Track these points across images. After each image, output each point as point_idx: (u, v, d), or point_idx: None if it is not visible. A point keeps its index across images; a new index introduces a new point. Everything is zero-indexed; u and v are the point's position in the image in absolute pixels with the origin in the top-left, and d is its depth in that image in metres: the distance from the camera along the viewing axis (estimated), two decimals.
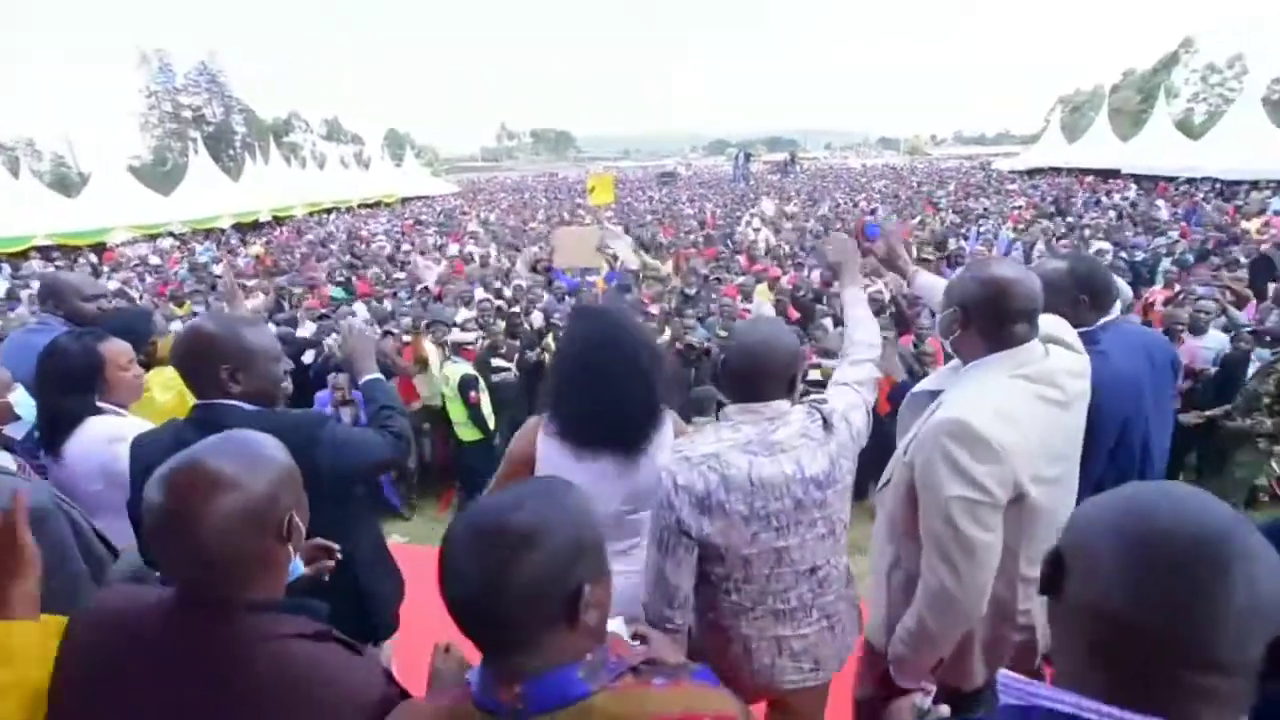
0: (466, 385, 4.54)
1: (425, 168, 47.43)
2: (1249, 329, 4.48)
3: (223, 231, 19.10)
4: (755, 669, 1.42)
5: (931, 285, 1.85)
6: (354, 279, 8.95)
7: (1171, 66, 47.26)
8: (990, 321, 1.37)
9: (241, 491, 0.84)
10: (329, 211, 24.75)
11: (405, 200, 30.01)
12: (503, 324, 5.57)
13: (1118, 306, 2.04)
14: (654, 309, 5.79)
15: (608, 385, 1.47)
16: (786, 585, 1.39)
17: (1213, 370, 4.45)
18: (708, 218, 15.63)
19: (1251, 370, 4.17)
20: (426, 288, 7.32)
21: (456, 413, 4.63)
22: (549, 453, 1.54)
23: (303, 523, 0.94)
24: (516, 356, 5.13)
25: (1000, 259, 1.41)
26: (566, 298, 6.76)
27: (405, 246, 12.65)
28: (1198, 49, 47.34)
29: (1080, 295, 1.79)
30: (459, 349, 4.90)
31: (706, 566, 1.38)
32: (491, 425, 4.76)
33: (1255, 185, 15.87)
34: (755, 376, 1.39)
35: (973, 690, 1.45)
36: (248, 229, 19.86)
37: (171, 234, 18.08)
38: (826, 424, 1.40)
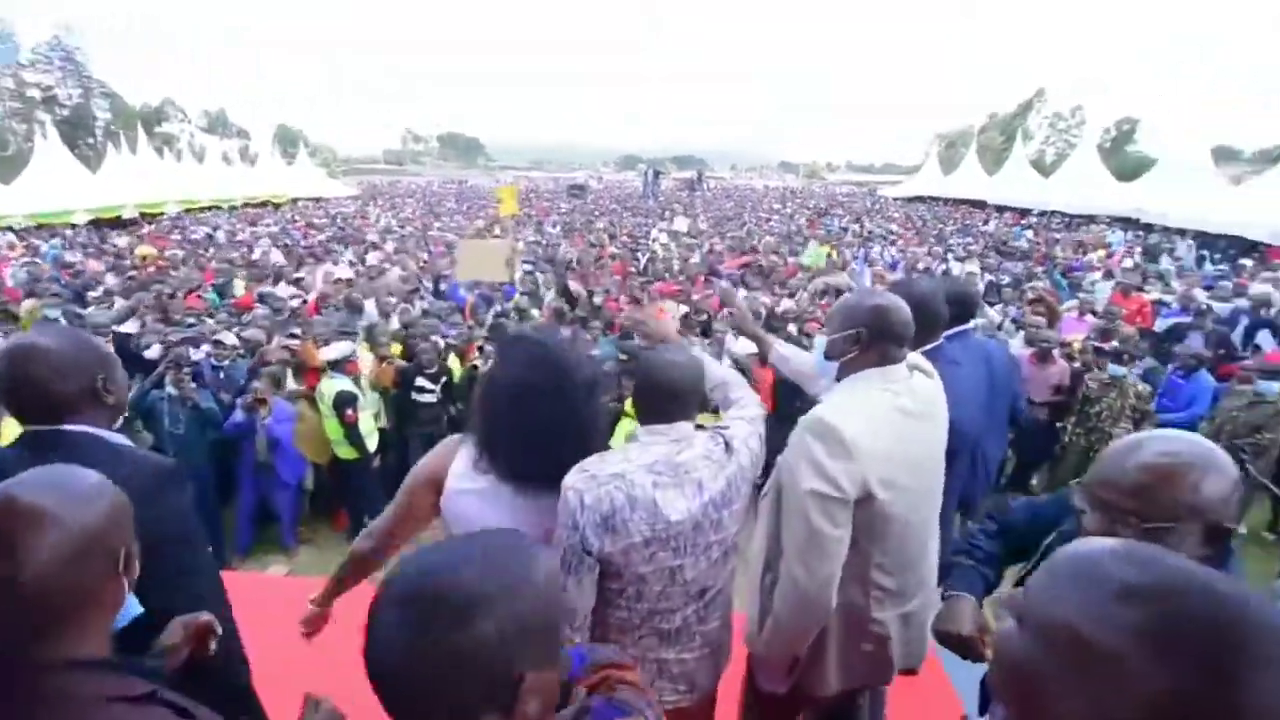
0: (343, 402, 4.31)
1: (321, 167, 44.65)
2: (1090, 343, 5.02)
3: (74, 227, 16.94)
4: None
5: (790, 355, 1.93)
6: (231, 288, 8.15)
7: (1027, 112, 53.44)
8: (882, 343, 1.49)
9: (61, 528, 0.76)
10: (208, 209, 22.66)
11: (296, 201, 28.08)
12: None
13: (976, 322, 2.29)
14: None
15: (539, 418, 1.37)
16: (674, 606, 1.41)
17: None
18: (618, 232, 15.79)
19: (1091, 386, 4.68)
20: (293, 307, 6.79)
21: (333, 430, 4.39)
22: (462, 479, 1.44)
23: (133, 568, 0.86)
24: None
25: (879, 291, 1.53)
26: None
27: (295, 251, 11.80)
28: (1046, 98, 53.84)
29: (942, 312, 2.01)
30: (339, 365, 4.59)
31: (600, 582, 1.39)
32: (371, 445, 4.56)
33: (1093, 219, 18.26)
34: (662, 399, 1.42)
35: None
36: (108, 226, 17.72)
37: (11, 229, 15.80)
38: (728, 447, 1.45)
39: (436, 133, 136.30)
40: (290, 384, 4.65)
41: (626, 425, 4.61)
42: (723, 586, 1.47)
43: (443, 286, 8.19)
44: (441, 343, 5.25)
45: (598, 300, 7.11)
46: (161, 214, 20.34)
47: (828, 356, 1.58)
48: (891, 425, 1.43)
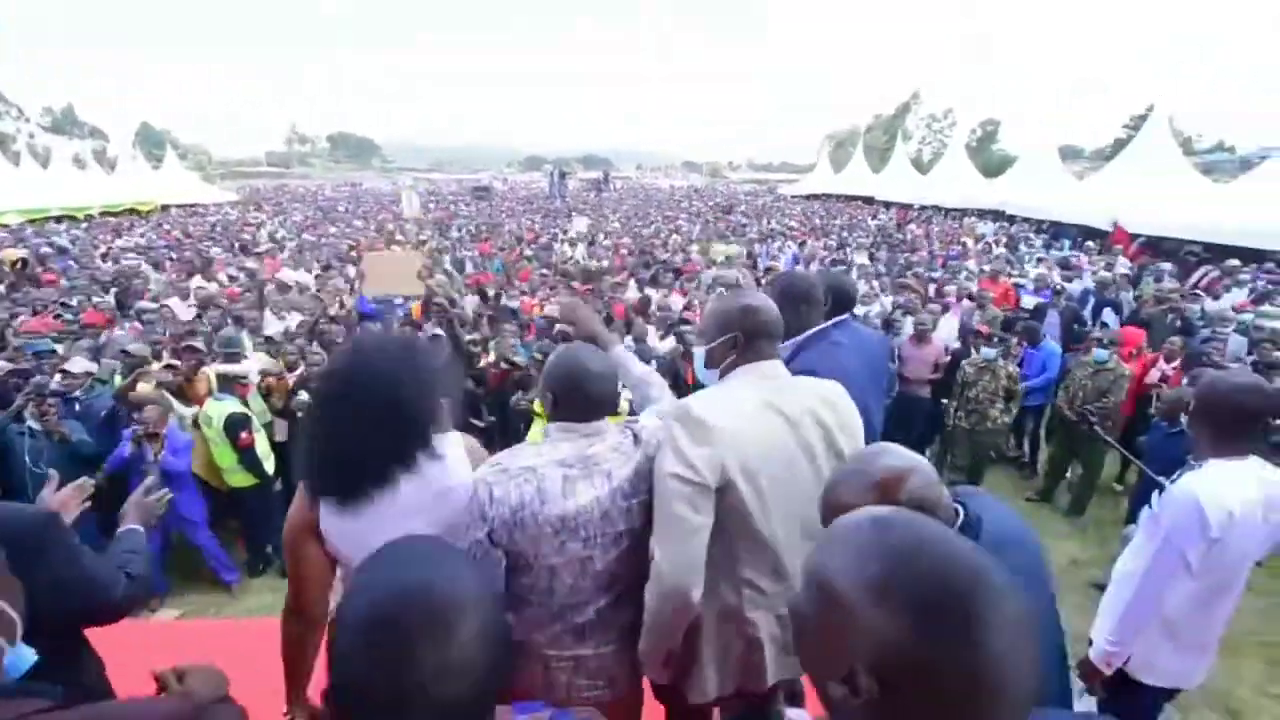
0: (235, 424, 4.00)
1: (194, 171, 40.89)
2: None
3: None
4: (552, 686, 1.45)
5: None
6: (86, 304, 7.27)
7: (905, 113, 57.63)
8: (754, 341, 1.55)
9: None
10: (56, 219, 20.08)
11: (167, 208, 25.54)
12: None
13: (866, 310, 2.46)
14: (475, 333, 5.63)
15: (339, 430, 1.30)
16: (586, 598, 1.43)
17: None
18: (525, 233, 15.58)
19: (965, 368, 5.13)
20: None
21: (223, 457, 4.04)
22: (325, 514, 1.36)
23: (16, 612, 0.81)
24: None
25: (745, 290, 1.61)
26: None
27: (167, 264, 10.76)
28: (921, 100, 58.31)
29: (799, 304, 2.13)
30: (229, 383, 4.27)
31: (511, 577, 1.39)
32: (270, 468, 4.24)
33: (966, 213, 20.05)
34: (576, 398, 1.44)
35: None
36: None
37: None
38: (636, 439, 1.49)
39: (326, 132, 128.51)
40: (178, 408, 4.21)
41: (538, 425, 4.59)
42: (635, 579, 1.47)
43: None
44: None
45: (513, 304, 7.01)
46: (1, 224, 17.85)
47: (708, 366, 1.61)
48: (756, 418, 1.44)
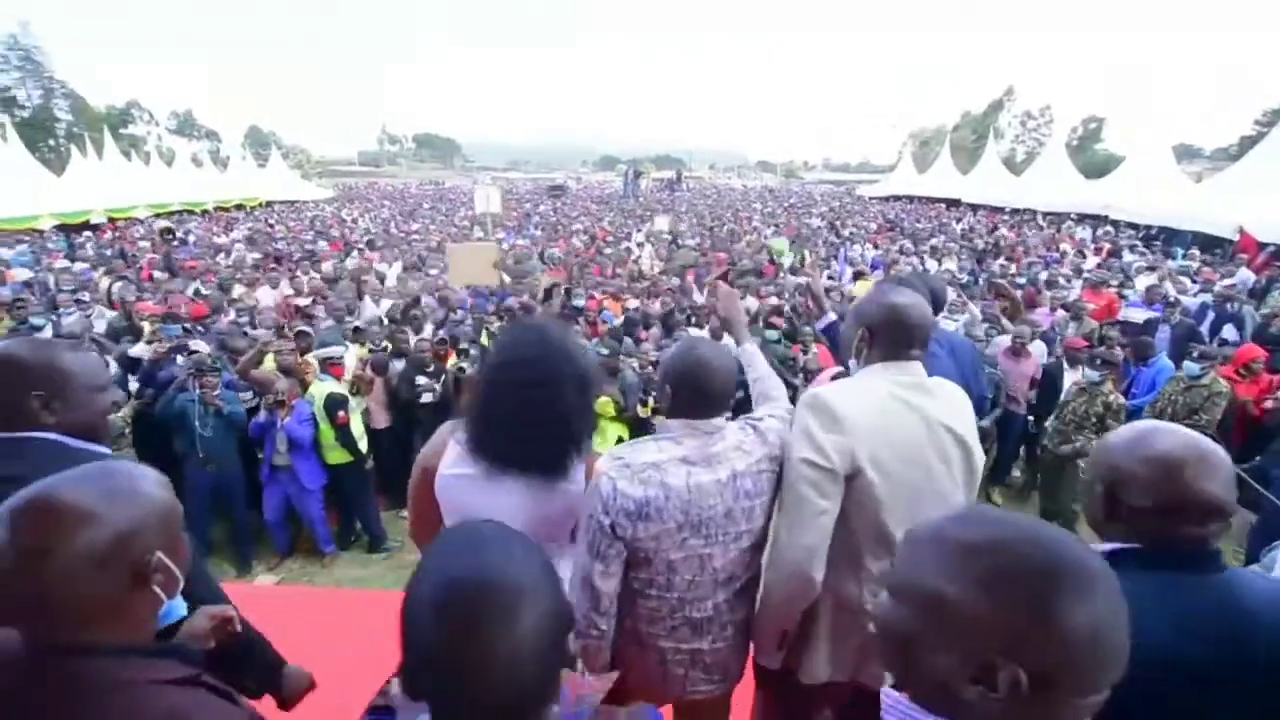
0: (334, 404, 4.28)
1: (294, 169, 43.87)
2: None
3: (40, 233, 16.45)
4: (669, 679, 1.48)
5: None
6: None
7: (998, 111, 54.45)
8: (887, 339, 1.52)
9: (93, 528, 0.77)
10: (178, 213, 22.11)
11: (270, 204, 27.56)
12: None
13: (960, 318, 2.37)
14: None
15: (530, 408, 1.37)
16: (704, 594, 1.44)
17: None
18: (598, 232, 15.79)
19: (1069, 387, 4.69)
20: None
21: (325, 435, 4.33)
22: (455, 464, 1.44)
23: (178, 566, 0.86)
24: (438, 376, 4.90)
25: (898, 287, 1.57)
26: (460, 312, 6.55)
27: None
28: (1016, 97, 54.93)
29: (929, 304, 2.08)
30: (327, 366, 4.60)
31: (630, 571, 1.42)
32: (363, 447, 4.51)
33: (1064, 217, 18.71)
34: (697, 395, 1.45)
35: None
36: (76, 230, 17.23)
37: None
38: (759, 434, 1.49)
39: (413, 133, 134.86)
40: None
41: (610, 430, 4.64)
42: (752, 577, 1.50)
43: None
44: (431, 341, 5.26)
45: (580, 302, 7.14)
46: (131, 218, 19.83)
47: (849, 354, 1.60)
48: (888, 412, 1.43)
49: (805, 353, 5.31)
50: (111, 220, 19.02)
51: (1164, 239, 14.37)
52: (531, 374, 1.39)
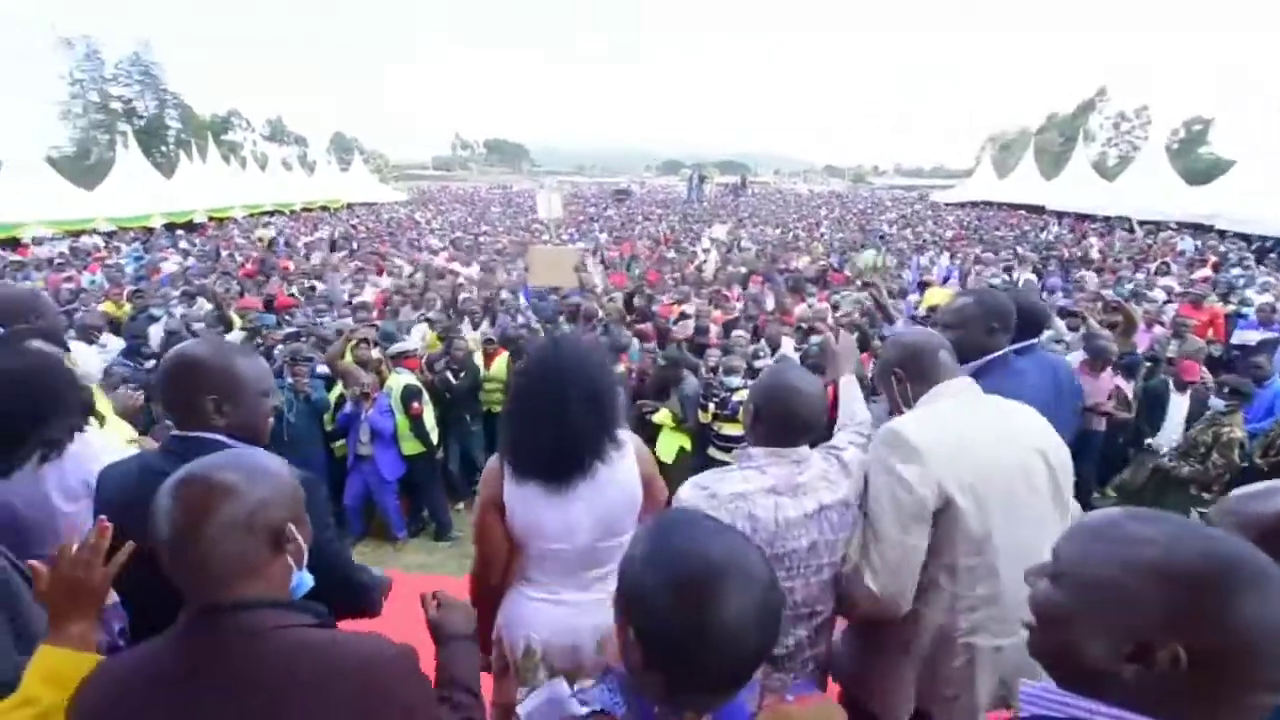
0: (409, 395, 4.46)
1: (373, 174, 46.16)
2: (1220, 379, 4.47)
3: (151, 231, 17.99)
4: None
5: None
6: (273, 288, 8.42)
7: (1088, 112, 51.10)
8: (918, 370, 1.54)
9: (239, 499, 0.89)
10: (270, 214, 23.71)
11: (350, 206, 29.11)
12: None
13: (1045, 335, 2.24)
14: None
15: (548, 418, 1.44)
16: (784, 629, 1.41)
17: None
18: (662, 236, 15.83)
19: (1181, 409, 4.41)
20: (364, 303, 7.06)
21: (401, 425, 4.52)
22: (511, 487, 1.51)
23: (304, 540, 0.97)
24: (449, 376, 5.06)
25: (909, 330, 1.62)
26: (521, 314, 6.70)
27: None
28: (1109, 97, 51.41)
29: (991, 324, 1.96)
30: (401, 359, 4.79)
31: None
32: (435, 438, 4.69)
33: (1162, 226, 17.33)
34: (785, 422, 1.44)
35: None
36: (181, 229, 18.76)
37: (95, 231, 16.88)
38: (843, 465, 1.47)
39: (484, 138, 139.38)
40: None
41: (670, 440, 4.61)
42: (831, 611, 1.48)
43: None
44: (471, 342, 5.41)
45: (656, 307, 7.14)
46: (228, 218, 21.41)
47: (891, 412, 1.61)
48: (969, 437, 1.40)
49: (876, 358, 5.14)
50: (211, 219, 20.60)
51: (1278, 252, 13.12)
52: (541, 391, 1.47)
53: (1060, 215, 21.91)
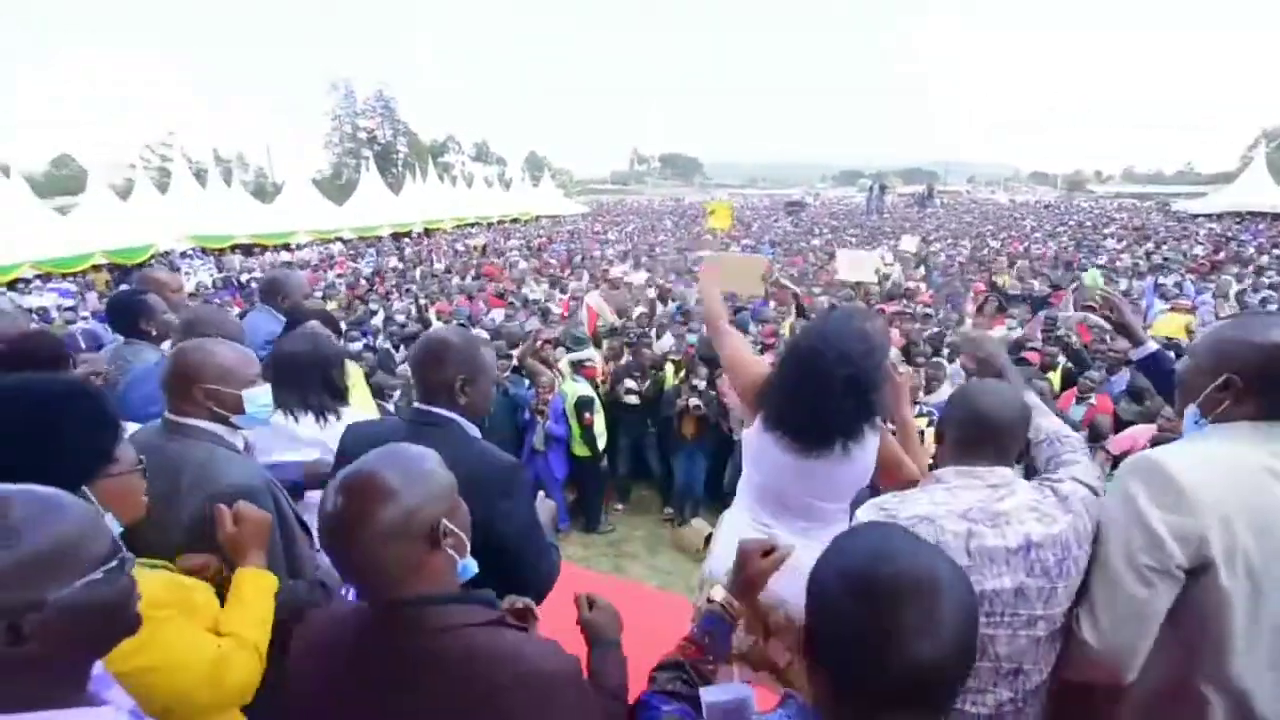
0: (582, 406, 4.70)
1: (559, 189, 50.08)
2: None
3: (379, 239, 21.32)
4: None
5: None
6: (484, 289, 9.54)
7: None
8: (1264, 390, 1.14)
9: (395, 502, 0.91)
10: (473, 225, 26.83)
11: (539, 218, 31.82)
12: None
13: None
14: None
15: (807, 396, 1.53)
16: (983, 684, 1.18)
17: None
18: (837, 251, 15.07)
19: None
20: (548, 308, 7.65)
21: (572, 431, 4.80)
22: (759, 428, 1.67)
23: (463, 530, 1.00)
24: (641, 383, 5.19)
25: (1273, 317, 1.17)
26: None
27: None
28: None
29: None
30: (579, 367, 5.05)
31: None
32: (602, 445, 4.88)
33: None
34: (979, 433, 1.25)
35: None
36: (402, 238, 22.10)
37: (341, 239, 20.49)
38: (1061, 500, 1.21)
39: (659, 153, 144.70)
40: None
41: None
42: (1047, 674, 1.21)
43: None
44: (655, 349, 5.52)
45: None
46: (440, 229, 24.66)
47: (1202, 414, 1.21)
48: (1254, 486, 1.07)
49: (1080, 402, 4.33)
50: (426, 230, 23.87)
51: None
52: (809, 367, 1.55)
53: None
